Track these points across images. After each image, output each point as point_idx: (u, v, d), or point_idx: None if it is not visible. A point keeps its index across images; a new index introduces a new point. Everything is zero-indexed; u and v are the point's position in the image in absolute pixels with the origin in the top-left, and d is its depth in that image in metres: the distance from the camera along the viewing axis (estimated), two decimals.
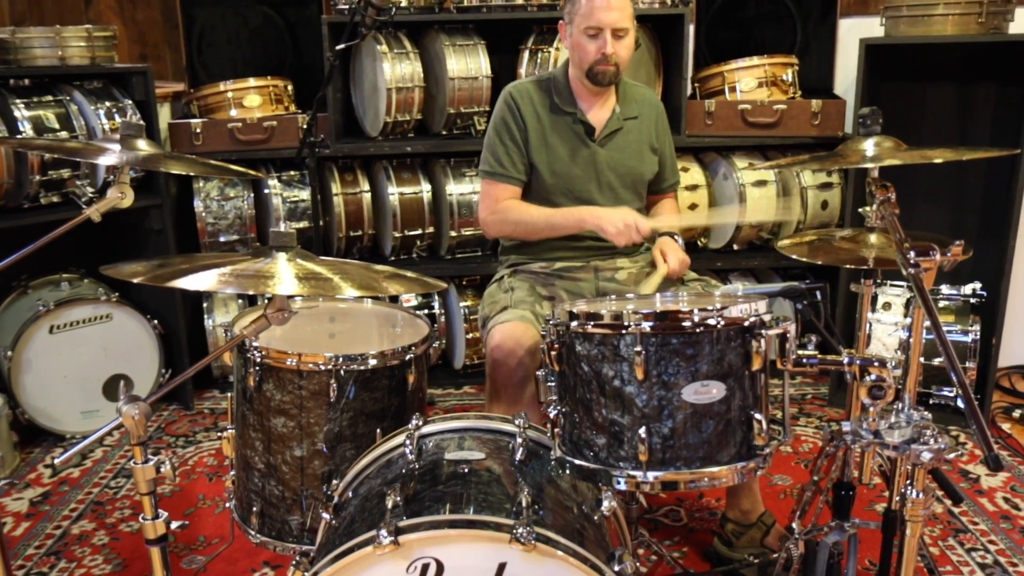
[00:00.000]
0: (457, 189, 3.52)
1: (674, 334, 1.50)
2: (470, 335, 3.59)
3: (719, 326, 1.50)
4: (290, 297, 1.59)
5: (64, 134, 3.09)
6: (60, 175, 3.08)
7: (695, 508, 2.71)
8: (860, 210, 1.90)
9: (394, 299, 2.76)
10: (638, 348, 1.49)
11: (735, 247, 3.63)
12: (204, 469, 3.00)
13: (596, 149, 2.50)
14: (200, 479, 2.94)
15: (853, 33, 3.46)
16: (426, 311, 3.58)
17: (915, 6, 3.08)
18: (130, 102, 3.26)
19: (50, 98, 3.13)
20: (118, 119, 3.15)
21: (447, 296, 3.70)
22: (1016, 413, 3.27)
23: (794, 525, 2.12)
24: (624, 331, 1.51)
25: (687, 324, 1.50)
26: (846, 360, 1.54)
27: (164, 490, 2.84)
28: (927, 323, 1.54)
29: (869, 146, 1.91)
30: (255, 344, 1.93)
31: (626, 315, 1.52)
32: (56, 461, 1.48)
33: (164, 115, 3.63)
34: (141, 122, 1.90)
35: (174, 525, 1.54)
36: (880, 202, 1.73)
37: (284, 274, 1.55)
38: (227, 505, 2.17)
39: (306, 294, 1.49)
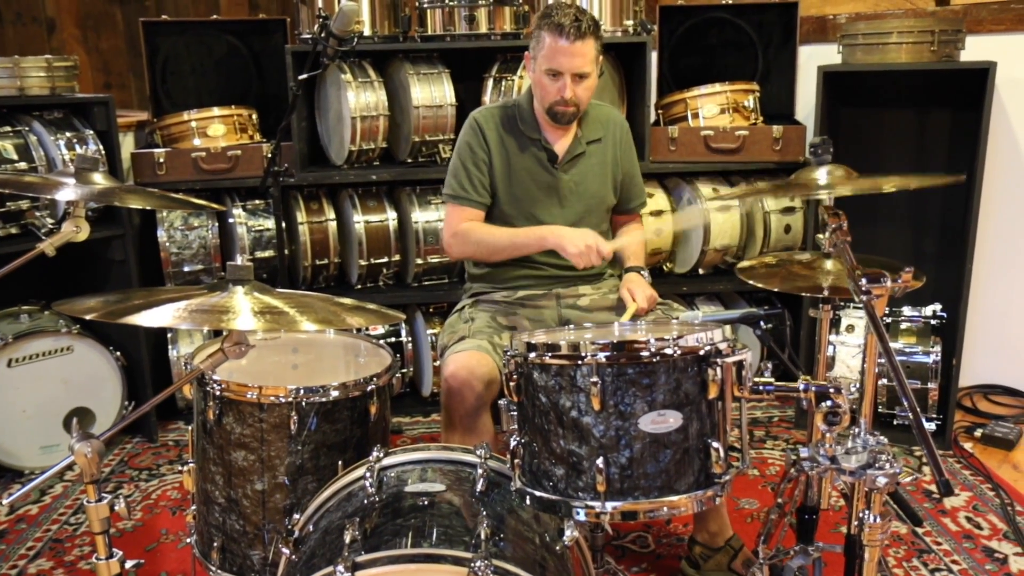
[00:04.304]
0: (423, 217, 3.52)
1: (630, 364, 1.50)
2: (437, 363, 3.58)
3: (675, 355, 1.51)
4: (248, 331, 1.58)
5: (23, 165, 3.05)
6: (19, 206, 3.05)
7: (663, 534, 2.71)
8: (816, 237, 1.93)
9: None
10: (594, 378, 1.49)
11: (700, 271, 3.66)
12: (167, 503, 2.96)
13: (559, 175, 2.52)
14: (163, 513, 2.89)
15: (812, 60, 3.51)
16: (393, 339, 3.58)
17: (870, 34, 3.14)
18: (91, 132, 3.21)
19: (8, 129, 3.09)
20: (79, 149, 3.12)
21: (414, 323, 3.69)
22: (978, 433, 3.31)
23: (759, 549, 2.13)
24: (580, 361, 1.51)
25: (643, 354, 1.50)
26: (802, 387, 1.54)
27: (126, 525, 2.80)
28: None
29: (822, 175, 1.94)
30: (215, 377, 1.92)
31: (583, 345, 1.53)
32: (5, 502, 1.45)
33: (127, 144, 3.60)
34: (97, 155, 1.89)
35: (129, 564, 1.51)
36: (832, 230, 1.75)
37: (241, 308, 1.54)
38: (188, 540, 2.14)
39: (263, 329, 1.49)
